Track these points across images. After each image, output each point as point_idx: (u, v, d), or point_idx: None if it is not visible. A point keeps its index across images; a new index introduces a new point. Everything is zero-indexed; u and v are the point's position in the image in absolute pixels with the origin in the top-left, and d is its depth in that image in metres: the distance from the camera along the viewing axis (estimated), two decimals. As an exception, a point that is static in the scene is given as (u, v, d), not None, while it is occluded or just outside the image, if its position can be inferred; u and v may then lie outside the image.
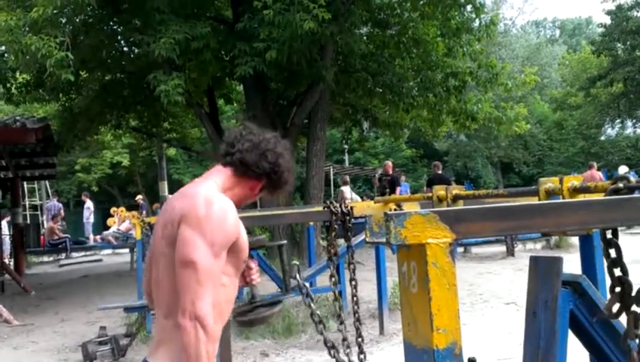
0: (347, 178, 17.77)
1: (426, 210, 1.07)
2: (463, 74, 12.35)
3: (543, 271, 1.95)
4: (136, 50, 11.55)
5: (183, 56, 9.63)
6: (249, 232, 2.13)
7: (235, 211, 1.93)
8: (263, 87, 11.68)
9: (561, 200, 2.14)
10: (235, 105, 17.36)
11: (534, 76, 14.12)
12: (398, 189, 15.14)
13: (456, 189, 3.55)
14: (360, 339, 3.28)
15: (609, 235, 1.29)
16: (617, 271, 1.35)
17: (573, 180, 2.34)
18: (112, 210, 16.52)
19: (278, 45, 9.10)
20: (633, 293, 1.33)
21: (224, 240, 1.86)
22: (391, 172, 16.25)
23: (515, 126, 13.85)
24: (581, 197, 2.29)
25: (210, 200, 1.88)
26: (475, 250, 13.02)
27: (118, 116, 13.89)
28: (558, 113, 36.19)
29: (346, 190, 15.91)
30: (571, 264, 2.42)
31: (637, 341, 1.36)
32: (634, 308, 1.37)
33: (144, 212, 16.69)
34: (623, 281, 1.34)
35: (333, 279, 3.41)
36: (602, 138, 35.76)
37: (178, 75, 9.27)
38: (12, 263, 13.46)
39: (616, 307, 1.39)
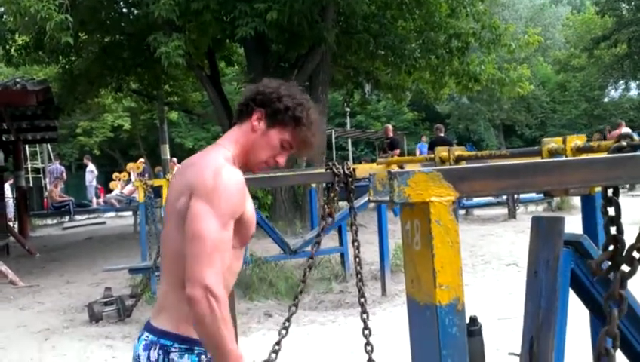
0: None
1: (430, 168, 1.07)
2: (466, 35, 12.21)
3: (544, 230, 1.96)
4: (135, 12, 11.42)
5: (183, 17, 9.52)
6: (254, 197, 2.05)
7: (244, 183, 1.88)
8: (264, 49, 11.57)
9: (565, 158, 2.14)
10: (236, 67, 17.23)
11: (538, 37, 13.96)
12: (397, 151, 15.17)
13: (458, 150, 3.55)
14: (363, 300, 3.31)
15: (610, 193, 1.29)
16: (613, 230, 1.36)
17: (577, 140, 2.33)
18: (115, 175, 16.56)
19: (279, 6, 8.99)
20: (624, 253, 1.34)
21: (232, 211, 1.82)
22: (391, 135, 16.30)
23: (518, 87, 13.75)
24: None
25: (219, 170, 1.83)
26: (476, 212, 13.08)
27: (119, 79, 13.81)
28: (561, 75, 35.94)
29: None
30: (573, 225, 2.43)
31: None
32: (623, 268, 1.38)
33: (146, 175, 16.72)
34: (617, 240, 1.35)
35: (317, 239, 3.42)
36: (605, 100, 35.57)
37: (178, 36, 9.18)
38: (16, 226, 13.57)
39: (605, 265, 1.40)
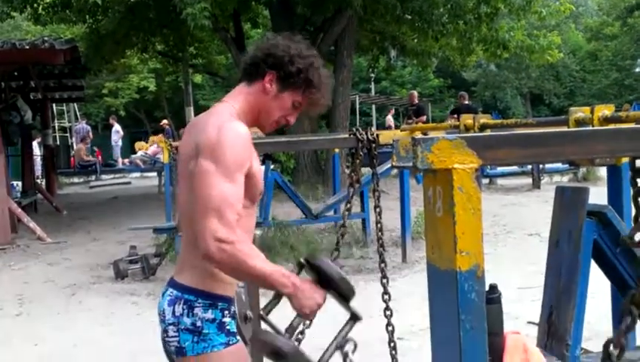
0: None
1: (454, 136, 1.08)
2: (496, 0, 11.96)
3: (568, 200, 1.95)
4: (161, -28, 11.35)
5: (209, -23, 9.44)
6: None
7: (249, 137, 1.88)
8: (290, 12, 11.47)
9: (592, 128, 2.12)
10: (261, 29, 17.11)
11: (569, 5, 13.63)
12: (423, 118, 15.02)
13: (483, 118, 3.52)
14: (383, 265, 3.33)
15: (638, 164, 1.28)
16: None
17: (605, 110, 2.30)
18: (136, 145, 16.56)
19: (306, -32, 8.88)
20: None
21: (239, 164, 1.82)
22: (416, 102, 16.13)
23: (547, 55, 13.49)
24: (612, 128, 2.25)
25: (222, 125, 1.84)
26: (500, 181, 12.97)
27: (145, 39, 13.82)
28: (593, 43, 35.11)
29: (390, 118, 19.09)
30: (598, 197, 2.41)
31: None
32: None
33: (170, 137, 16.83)
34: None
35: (348, 205, 3.42)
36: (637, 70, 34.74)
37: (204, -3, 9.13)
38: (44, 183, 13.80)
39: (638, 236, 1.39)
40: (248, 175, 1.87)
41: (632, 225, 1.42)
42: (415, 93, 17.02)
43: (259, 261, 1.79)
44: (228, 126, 1.84)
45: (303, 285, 1.83)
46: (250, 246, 1.82)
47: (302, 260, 1.88)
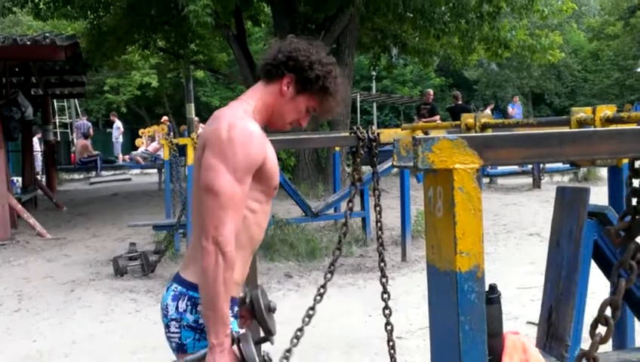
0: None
1: (455, 135, 1.07)
2: (498, -1, 11.96)
3: (569, 200, 1.95)
4: (163, -32, 11.34)
5: (211, -26, 9.42)
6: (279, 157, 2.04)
7: (261, 135, 1.88)
8: (291, 10, 11.44)
9: (593, 129, 2.11)
10: (262, 27, 17.09)
11: (572, 4, 13.62)
12: (437, 117, 14.77)
13: (484, 118, 3.51)
14: (382, 264, 3.33)
15: (638, 165, 1.28)
16: (634, 201, 1.36)
17: (606, 110, 2.29)
18: (140, 131, 16.67)
19: (308, -35, 8.86)
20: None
21: (247, 165, 1.82)
22: (431, 100, 15.88)
23: (549, 54, 13.48)
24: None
25: (233, 123, 1.84)
26: (500, 181, 12.97)
27: (146, 36, 13.81)
28: (595, 43, 35.08)
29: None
30: (599, 197, 2.41)
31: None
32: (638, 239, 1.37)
33: (171, 133, 16.84)
34: (637, 211, 1.34)
35: (350, 204, 3.41)
36: (639, 70, 34.72)
37: (206, -6, 9.10)
38: (44, 179, 13.80)
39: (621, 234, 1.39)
40: (262, 170, 1.88)
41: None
42: (431, 91, 16.58)
43: (225, 293, 1.78)
44: (239, 124, 1.84)
45: (229, 351, 1.80)
46: (232, 278, 1.81)
47: (243, 295, 1.94)
